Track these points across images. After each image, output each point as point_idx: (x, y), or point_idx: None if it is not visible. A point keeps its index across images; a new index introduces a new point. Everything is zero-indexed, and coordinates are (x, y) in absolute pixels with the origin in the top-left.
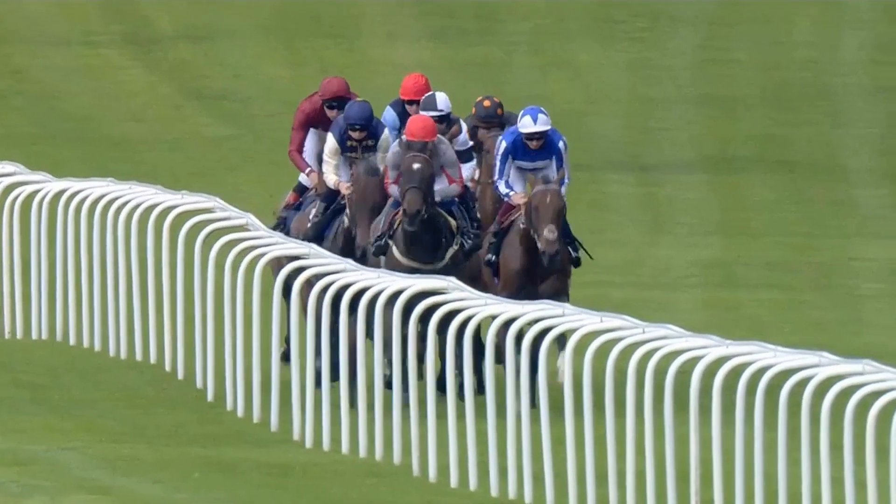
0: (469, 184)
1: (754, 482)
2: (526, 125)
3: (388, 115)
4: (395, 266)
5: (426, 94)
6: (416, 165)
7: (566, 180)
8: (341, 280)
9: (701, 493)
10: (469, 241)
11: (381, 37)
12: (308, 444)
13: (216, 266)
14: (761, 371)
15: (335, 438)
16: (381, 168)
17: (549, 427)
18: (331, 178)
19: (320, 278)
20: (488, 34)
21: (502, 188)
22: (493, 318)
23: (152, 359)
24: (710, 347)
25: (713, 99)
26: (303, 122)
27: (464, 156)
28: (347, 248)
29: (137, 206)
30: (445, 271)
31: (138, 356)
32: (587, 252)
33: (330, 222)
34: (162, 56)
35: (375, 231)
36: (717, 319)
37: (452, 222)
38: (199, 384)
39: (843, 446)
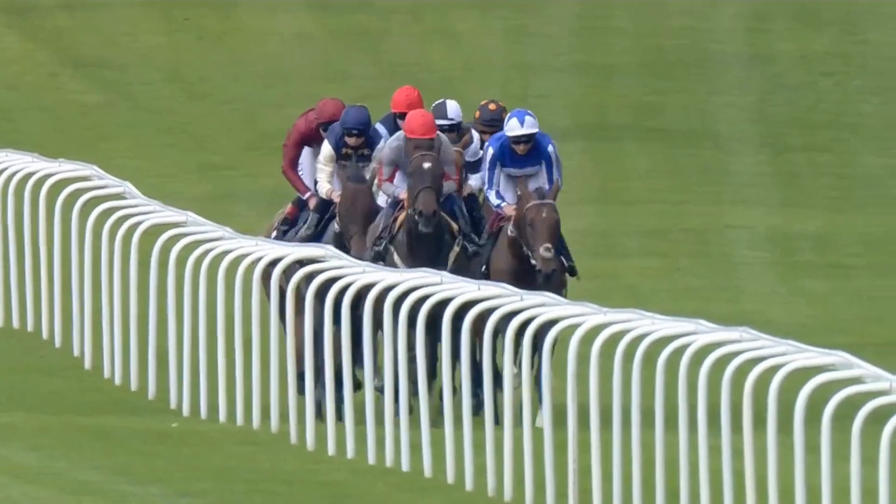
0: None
1: (631, 450)
2: (512, 128)
3: (380, 131)
4: None
5: (436, 103)
6: (426, 164)
7: (559, 188)
8: (220, 247)
9: (579, 462)
10: (471, 245)
11: (259, 5)
12: (185, 412)
13: (93, 234)
14: (639, 339)
15: (212, 407)
16: (368, 175)
17: (426, 397)
18: (324, 187)
19: (199, 245)
20: (367, 2)
21: (493, 199)
22: (371, 286)
23: (29, 327)
24: (587, 315)
25: (590, 66)
26: (297, 141)
27: (475, 166)
28: None
29: (14, 174)
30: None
31: (15, 324)
32: (574, 269)
33: (321, 235)
34: (38, 24)
35: (374, 233)
36: (594, 287)
37: (453, 224)
38: (76, 352)
39: (720, 414)
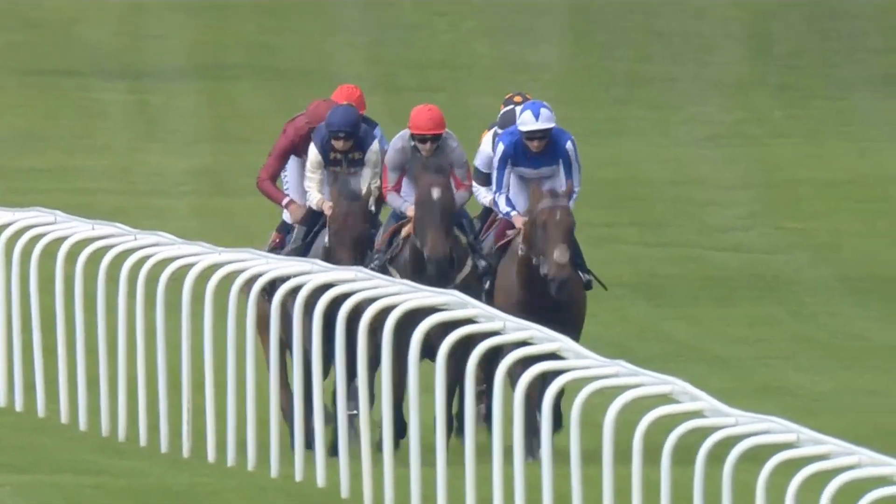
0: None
1: (246, 388)
2: (526, 122)
3: (376, 133)
4: None
5: (505, 110)
6: (435, 193)
7: (575, 192)
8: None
9: (193, 400)
10: (482, 262)
11: None
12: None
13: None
14: (254, 278)
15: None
16: (363, 191)
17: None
18: (314, 197)
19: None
20: None
21: (502, 204)
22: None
23: None
24: (201, 255)
25: (205, 6)
26: (285, 150)
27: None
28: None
29: None
30: None
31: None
32: (600, 282)
33: (309, 248)
34: None
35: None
36: (208, 226)
37: (463, 239)
38: None
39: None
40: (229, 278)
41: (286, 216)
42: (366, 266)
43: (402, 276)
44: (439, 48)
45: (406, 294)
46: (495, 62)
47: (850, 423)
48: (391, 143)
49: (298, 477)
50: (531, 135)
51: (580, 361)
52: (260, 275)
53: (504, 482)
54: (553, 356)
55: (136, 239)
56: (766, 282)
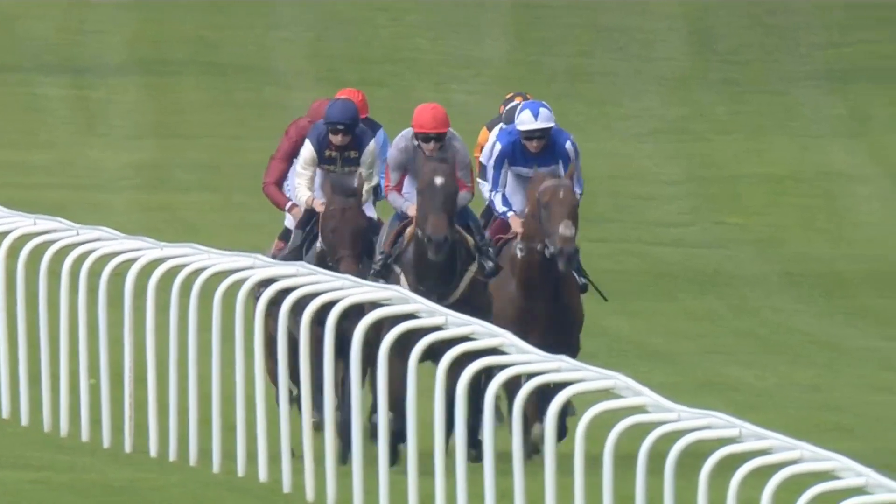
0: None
1: (188, 383)
2: (524, 121)
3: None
4: None
5: (510, 105)
6: (438, 180)
7: (578, 189)
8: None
9: (135, 395)
10: (489, 263)
11: None
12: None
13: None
14: (196, 273)
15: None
16: (357, 184)
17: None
18: (303, 194)
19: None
20: None
21: (498, 204)
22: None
23: None
24: (144, 249)
25: (146, 1)
26: (288, 152)
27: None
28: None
29: None
30: (463, 301)
31: None
32: (599, 292)
33: (307, 252)
34: None
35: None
36: (150, 221)
37: (470, 240)
38: None
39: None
40: (171, 273)
41: (288, 222)
42: (374, 266)
43: (406, 275)
44: (381, 43)
45: (348, 289)
46: (437, 57)
47: (792, 418)
48: (394, 142)
49: (241, 472)
50: (530, 134)
51: (523, 357)
52: (203, 269)
53: (448, 486)
54: (496, 351)
55: (78, 234)
56: (707, 277)
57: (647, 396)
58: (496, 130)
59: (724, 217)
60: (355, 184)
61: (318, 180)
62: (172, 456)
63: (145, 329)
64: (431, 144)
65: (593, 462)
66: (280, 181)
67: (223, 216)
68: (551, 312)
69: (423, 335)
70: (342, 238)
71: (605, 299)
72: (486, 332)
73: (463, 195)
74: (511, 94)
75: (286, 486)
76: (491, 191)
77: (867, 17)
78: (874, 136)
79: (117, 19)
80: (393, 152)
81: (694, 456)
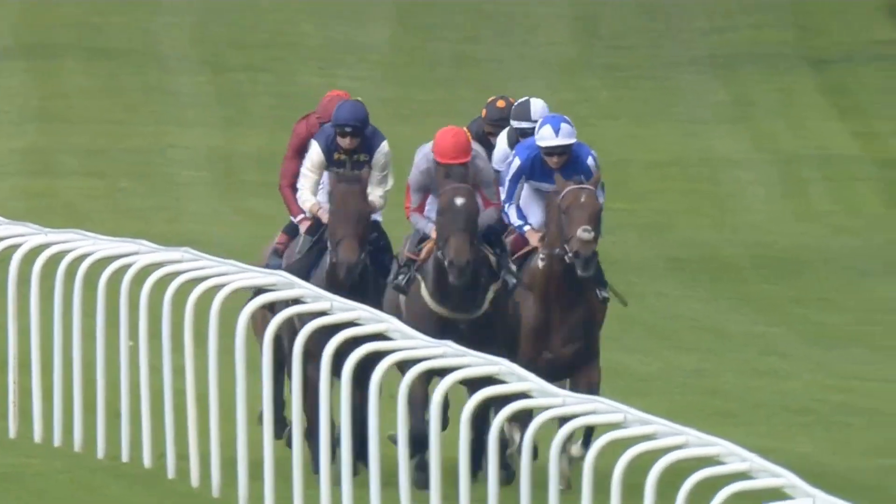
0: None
1: (73, 369)
2: (545, 137)
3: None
4: (419, 311)
5: (519, 101)
6: (459, 201)
7: (602, 195)
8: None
9: (20, 381)
10: (513, 279)
11: None
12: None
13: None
14: (80, 258)
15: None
16: (364, 175)
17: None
18: (308, 200)
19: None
20: None
21: (513, 216)
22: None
23: None
24: (27, 235)
25: None
26: (298, 149)
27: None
28: (331, 287)
29: None
30: (486, 319)
31: None
32: (619, 297)
33: (316, 262)
34: None
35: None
36: (34, 207)
37: (492, 258)
38: None
39: (161, 333)
40: (56, 259)
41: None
42: (393, 276)
43: (429, 291)
44: (265, 28)
45: (233, 274)
46: (321, 42)
47: (676, 403)
48: (415, 163)
49: (125, 458)
50: (551, 150)
51: (408, 342)
52: (87, 255)
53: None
54: (382, 337)
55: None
56: None
57: (532, 382)
58: (502, 135)
59: (609, 203)
60: (362, 175)
61: (325, 184)
62: (57, 442)
63: (29, 315)
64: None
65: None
66: (293, 182)
67: (108, 202)
68: (573, 321)
69: (308, 320)
70: (344, 220)
71: (625, 304)
72: (371, 318)
73: (488, 213)
74: (493, 98)
75: (170, 472)
76: (505, 202)
77: (750, 3)
78: (757, 121)
79: (1, 3)
80: (414, 173)
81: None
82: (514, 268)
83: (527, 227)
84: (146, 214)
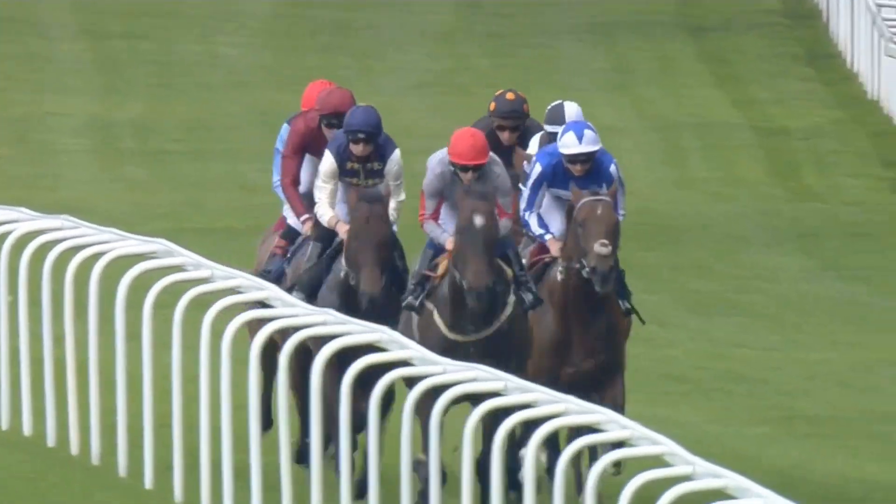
0: None
1: None
2: (568, 145)
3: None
4: (431, 335)
5: (553, 104)
6: (478, 220)
7: (621, 215)
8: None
9: None
10: (530, 296)
11: None
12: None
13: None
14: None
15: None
16: (385, 192)
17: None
18: (326, 213)
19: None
20: None
21: (534, 225)
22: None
23: None
24: None
25: None
26: (297, 146)
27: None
28: (346, 301)
29: None
30: (499, 337)
31: None
32: (639, 316)
33: (327, 270)
34: None
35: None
36: None
37: (508, 272)
38: None
39: (41, 301)
40: None
41: (292, 221)
42: (403, 301)
43: (441, 315)
44: None
45: (113, 242)
46: (201, 10)
47: None
48: (429, 168)
49: (5, 426)
50: (574, 158)
51: (288, 310)
52: None
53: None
54: (263, 304)
55: None
56: None
57: (413, 350)
58: (534, 140)
59: None
60: (382, 191)
61: (340, 194)
62: None
63: None
64: (469, 174)
65: None
66: (296, 179)
67: None
68: (595, 334)
69: (190, 288)
70: (365, 245)
71: (643, 322)
72: (252, 286)
73: (504, 223)
74: (501, 91)
75: (50, 440)
76: (525, 210)
77: None
78: (636, 89)
79: None
80: (429, 178)
81: (457, 409)
82: (533, 287)
83: (548, 236)
84: (26, 182)
